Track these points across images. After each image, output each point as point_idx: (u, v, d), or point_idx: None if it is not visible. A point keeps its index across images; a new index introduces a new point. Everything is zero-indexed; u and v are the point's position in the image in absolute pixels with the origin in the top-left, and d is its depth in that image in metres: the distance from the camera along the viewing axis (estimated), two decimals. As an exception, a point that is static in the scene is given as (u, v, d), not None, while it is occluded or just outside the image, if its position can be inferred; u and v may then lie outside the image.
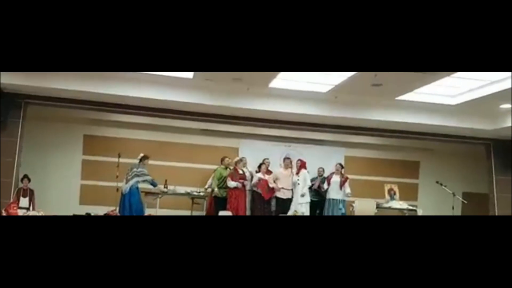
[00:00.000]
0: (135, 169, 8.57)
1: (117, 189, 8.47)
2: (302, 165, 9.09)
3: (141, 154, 8.72)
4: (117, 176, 8.46)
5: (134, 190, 8.45)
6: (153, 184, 8.69)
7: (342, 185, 9.13)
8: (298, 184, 8.83)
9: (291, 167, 9.07)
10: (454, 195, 8.42)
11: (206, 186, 9.31)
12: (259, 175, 9.06)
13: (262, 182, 8.94)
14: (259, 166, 9.27)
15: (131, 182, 8.45)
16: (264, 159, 9.38)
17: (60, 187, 9.33)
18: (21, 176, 8.11)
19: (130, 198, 8.36)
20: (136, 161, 8.66)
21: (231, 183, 8.76)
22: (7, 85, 7.29)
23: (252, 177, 9.14)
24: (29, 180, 8.17)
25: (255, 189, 9.04)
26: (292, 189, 8.90)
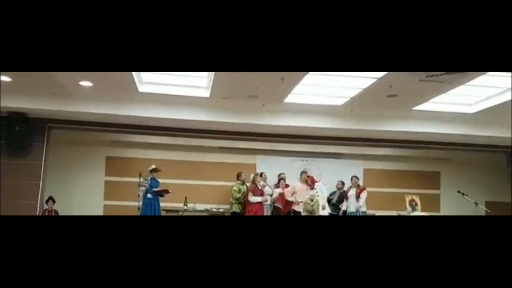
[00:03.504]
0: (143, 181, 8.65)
1: (139, 208, 8.61)
2: (312, 179, 9.08)
3: (152, 166, 8.81)
4: (138, 196, 8.61)
5: (146, 202, 8.52)
6: (149, 191, 8.54)
7: (357, 196, 9.04)
8: (318, 196, 8.81)
9: (308, 181, 9.08)
10: (476, 204, 8.28)
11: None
12: (279, 190, 9.09)
13: (281, 196, 8.97)
14: (278, 181, 9.31)
15: (140, 195, 8.57)
16: (280, 174, 9.43)
17: (84, 207, 9.47)
18: (46, 198, 8.35)
19: (143, 211, 8.47)
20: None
21: (254, 198, 8.81)
22: (31, 110, 7.58)
23: (272, 192, 9.18)
24: (53, 201, 8.40)
25: (276, 204, 9.06)
26: None
